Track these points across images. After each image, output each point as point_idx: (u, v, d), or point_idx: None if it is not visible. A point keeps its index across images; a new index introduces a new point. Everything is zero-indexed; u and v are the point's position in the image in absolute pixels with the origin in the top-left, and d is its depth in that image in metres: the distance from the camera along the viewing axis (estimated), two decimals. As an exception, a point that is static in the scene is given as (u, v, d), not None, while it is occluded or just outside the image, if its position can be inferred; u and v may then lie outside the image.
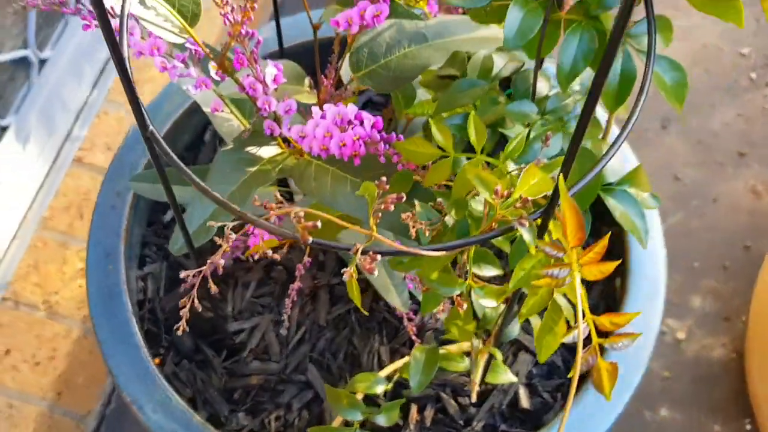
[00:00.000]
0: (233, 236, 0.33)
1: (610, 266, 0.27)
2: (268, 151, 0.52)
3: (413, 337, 0.59)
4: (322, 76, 0.52)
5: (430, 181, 0.37)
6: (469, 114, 0.39)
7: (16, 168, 0.93)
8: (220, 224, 0.36)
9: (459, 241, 0.33)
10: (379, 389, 0.60)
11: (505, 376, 0.60)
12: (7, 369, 0.89)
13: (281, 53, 0.64)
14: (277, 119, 0.49)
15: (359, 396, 0.60)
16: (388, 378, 0.62)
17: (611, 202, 0.41)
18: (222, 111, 0.54)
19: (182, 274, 0.36)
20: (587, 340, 0.30)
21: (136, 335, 0.63)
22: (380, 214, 0.32)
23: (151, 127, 0.35)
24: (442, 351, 0.52)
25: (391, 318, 0.69)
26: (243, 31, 0.42)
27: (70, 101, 0.99)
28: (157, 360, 0.69)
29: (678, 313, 1.09)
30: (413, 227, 0.34)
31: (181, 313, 0.40)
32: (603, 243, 0.27)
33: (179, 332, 0.37)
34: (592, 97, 0.26)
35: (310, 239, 0.31)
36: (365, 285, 0.66)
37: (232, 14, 0.42)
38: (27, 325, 0.91)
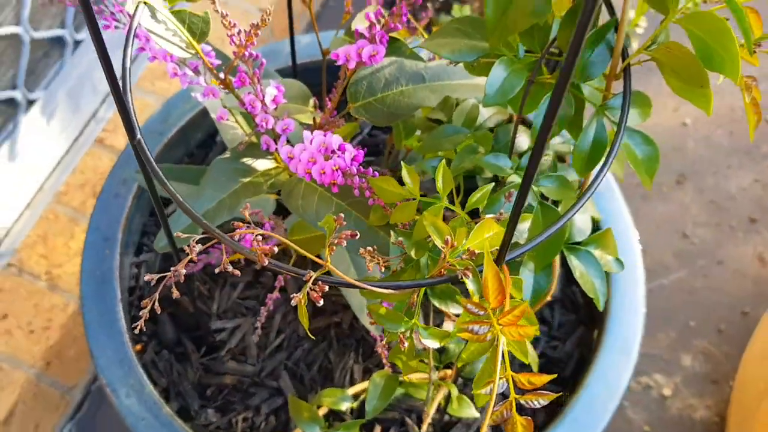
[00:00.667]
0: (197, 248, 0.35)
1: (530, 330, 0.29)
2: (263, 164, 0.54)
3: (384, 361, 0.61)
4: (327, 98, 0.54)
5: (395, 219, 0.39)
6: (445, 159, 0.40)
7: (38, 141, 0.96)
8: (186, 236, 0.38)
9: (405, 282, 0.34)
10: (344, 406, 0.61)
11: (468, 411, 0.61)
12: (2, 332, 0.92)
13: (294, 69, 0.66)
14: (274, 136, 0.51)
15: (324, 410, 0.62)
16: (355, 396, 0.64)
17: (574, 261, 0.42)
18: (228, 120, 0.56)
19: (146, 277, 0.38)
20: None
21: (121, 321, 0.65)
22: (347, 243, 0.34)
23: (138, 136, 0.37)
24: (406, 378, 0.53)
25: (368, 338, 0.70)
26: (247, 53, 0.44)
27: (99, 83, 1.03)
28: (138, 347, 0.71)
29: (667, 369, 1.09)
30: (369, 262, 0.35)
31: (151, 308, 0.42)
32: (522, 307, 0.28)
33: (136, 330, 0.39)
34: (533, 160, 0.27)
35: (266, 262, 0.33)
36: (348, 303, 0.68)
37: (238, 36, 0.44)
38: (27, 293, 0.94)
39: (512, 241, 0.39)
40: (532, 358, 0.50)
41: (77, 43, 0.98)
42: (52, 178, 1.00)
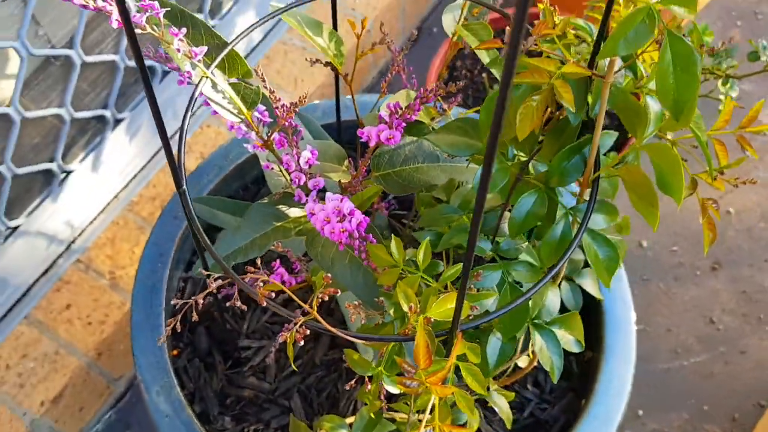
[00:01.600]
0: (215, 283, 0.43)
1: (448, 390, 0.36)
2: (295, 212, 0.63)
3: (381, 397, 0.68)
4: (360, 162, 0.63)
5: (381, 281, 0.46)
6: (441, 233, 0.48)
7: (119, 155, 1.08)
8: (204, 275, 0.47)
9: (375, 336, 0.41)
10: (340, 433, 0.69)
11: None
12: (63, 321, 1.03)
13: (338, 127, 0.75)
14: (306, 191, 0.60)
15: (322, 434, 0.69)
16: (351, 425, 0.71)
17: (536, 337, 0.48)
18: (273, 168, 0.65)
19: (172, 301, 0.47)
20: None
21: (162, 327, 0.75)
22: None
23: (183, 187, 0.46)
24: (392, 416, 0.60)
25: (376, 374, 0.78)
26: (287, 123, 0.53)
27: (179, 110, 1.15)
28: (175, 352, 0.81)
29: (675, 450, 1.12)
30: (352, 315, 0.43)
31: (188, 319, 0.51)
32: (444, 371, 0.35)
33: (161, 339, 0.48)
34: (470, 248, 0.34)
35: (264, 302, 0.41)
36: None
37: (281, 109, 0.53)
38: (90, 288, 1.06)
39: (485, 311, 0.47)
40: (506, 415, 0.56)
41: (165, 73, 1.10)
42: (128, 188, 1.12)
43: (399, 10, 1.39)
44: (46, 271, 1.06)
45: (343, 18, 1.22)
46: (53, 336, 1.03)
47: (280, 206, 0.63)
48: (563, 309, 0.54)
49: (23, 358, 1.01)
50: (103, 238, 1.09)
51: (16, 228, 0.99)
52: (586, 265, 0.55)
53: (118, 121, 1.06)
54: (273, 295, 0.41)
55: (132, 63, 1.01)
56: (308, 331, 0.41)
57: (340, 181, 0.60)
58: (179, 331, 0.81)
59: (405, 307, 0.40)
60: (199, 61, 0.48)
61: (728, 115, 0.47)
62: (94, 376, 1.06)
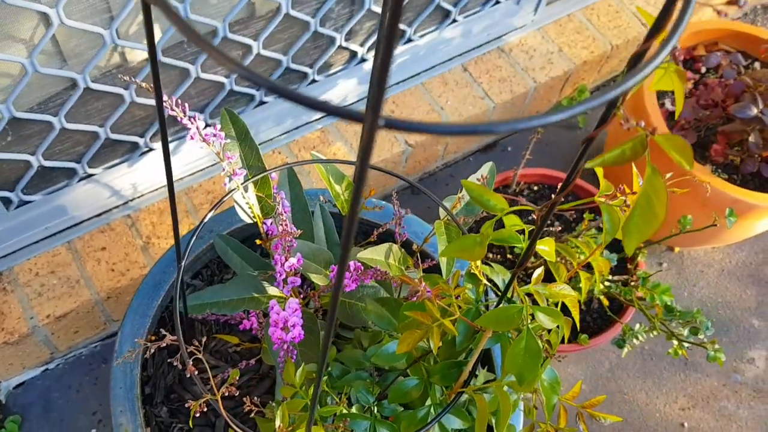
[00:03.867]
0: (168, 340, 0.59)
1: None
2: (273, 291, 0.78)
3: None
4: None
5: (282, 392, 0.61)
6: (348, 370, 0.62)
7: (196, 149, 1.26)
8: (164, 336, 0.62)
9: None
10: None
11: None
12: (94, 258, 1.22)
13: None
14: (284, 284, 0.75)
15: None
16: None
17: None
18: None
19: (139, 340, 0.63)
20: None
21: (147, 324, 0.91)
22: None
23: (183, 262, 0.62)
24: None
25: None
26: (285, 242, 0.68)
27: (262, 133, 1.32)
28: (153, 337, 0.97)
29: None
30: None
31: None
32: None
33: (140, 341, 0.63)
34: (314, 394, 0.49)
35: (189, 374, 0.57)
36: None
37: (284, 231, 0.68)
38: (127, 242, 1.24)
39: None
40: None
41: (262, 103, 1.27)
42: (193, 176, 1.30)
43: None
44: (99, 214, 1.25)
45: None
46: (81, 267, 1.22)
47: (265, 281, 0.79)
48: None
49: (51, 273, 1.20)
50: (155, 207, 1.28)
51: (91, 175, 1.18)
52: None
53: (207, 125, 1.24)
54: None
55: (238, 87, 1.19)
56: (205, 408, 0.56)
57: (304, 294, 0.75)
58: (166, 320, 0.98)
59: (277, 424, 0.55)
60: (237, 178, 0.64)
61: (577, 392, 0.59)
62: (97, 312, 1.24)
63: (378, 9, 1.25)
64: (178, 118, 0.62)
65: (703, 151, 1.32)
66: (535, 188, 1.35)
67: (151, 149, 1.22)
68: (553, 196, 1.23)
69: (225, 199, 0.66)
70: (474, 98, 1.47)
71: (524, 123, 0.26)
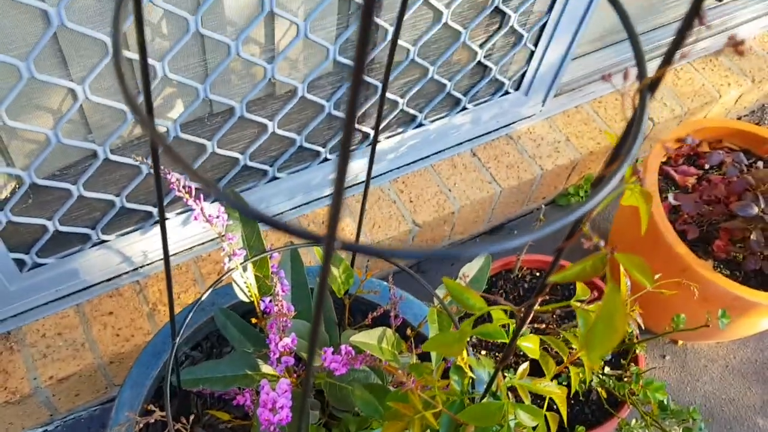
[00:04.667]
0: (156, 415, 0.60)
1: None
2: (267, 369, 0.80)
3: None
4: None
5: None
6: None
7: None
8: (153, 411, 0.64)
9: None
10: None
11: None
12: (101, 323, 1.25)
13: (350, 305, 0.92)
14: (278, 362, 0.76)
15: None
16: None
17: None
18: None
19: (129, 413, 0.64)
20: None
21: (146, 388, 0.93)
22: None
23: (177, 339, 0.64)
24: None
25: None
26: (280, 323, 0.70)
27: (272, 207, 1.36)
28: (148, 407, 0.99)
29: None
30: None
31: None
32: None
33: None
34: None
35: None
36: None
37: (280, 306, 0.70)
38: (134, 308, 1.27)
39: None
40: None
41: (275, 178, 1.32)
42: (203, 246, 1.34)
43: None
44: (109, 279, 1.28)
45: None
46: (87, 330, 1.24)
47: (259, 359, 0.80)
48: None
49: (58, 335, 1.23)
50: (163, 274, 1.31)
51: (105, 241, 1.22)
52: None
53: (217, 200, 1.28)
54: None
55: (284, 131, 1.24)
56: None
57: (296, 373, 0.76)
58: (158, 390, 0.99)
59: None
60: (237, 258, 0.67)
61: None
62: (99, 376, 1.26)
63: (390, 95, 1.30)
64: (184, 199, 0.65)
65: (706, 246, 1.33)
66: (537, 274, 1.36)
67: (166, 218, 1.25)
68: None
69: (223, 278, 0.68)
70: (482, 182, 1.50)
71: (486, 248, 0.28)
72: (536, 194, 1.63)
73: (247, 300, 0.70)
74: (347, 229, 1.40)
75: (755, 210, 1.21)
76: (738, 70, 1.73)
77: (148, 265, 1.30)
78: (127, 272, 1.29)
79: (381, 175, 1.45)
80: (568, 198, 1.68)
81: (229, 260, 0.67)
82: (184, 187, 0.65)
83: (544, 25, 1.35)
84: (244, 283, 0.70)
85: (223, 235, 0.66)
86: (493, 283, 1.36)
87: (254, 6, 0.99)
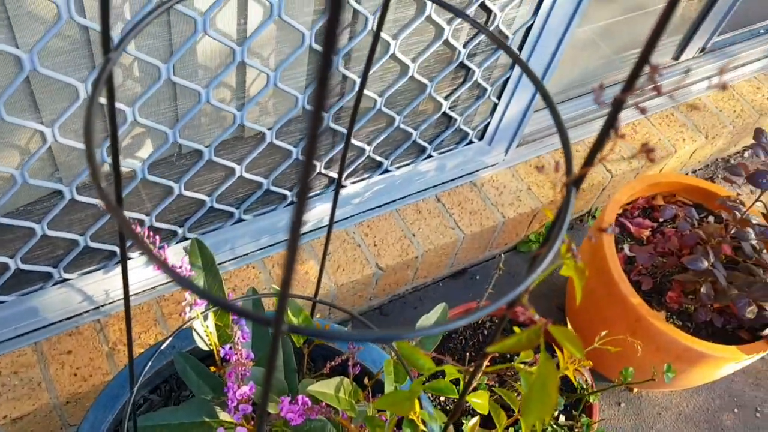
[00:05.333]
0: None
1: None
2: (225, 416, 0.81)
3: None
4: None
5: None
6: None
7: (172, 260, 1.30)
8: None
9: None
10: None
11: None
12: (59, 361, 1.24)
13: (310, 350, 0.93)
14: (235, 410, 0.77)
15: None
16: None
17: None
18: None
19: None
20: None
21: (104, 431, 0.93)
22: None
23: (135, 387, 0.65)
24: None
25: None
26: (239, 372, 0.72)
27: (237, 248, 1.37)
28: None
29: None
30: None
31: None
32: None
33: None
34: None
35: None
36: None
37: (239, 355, 0.71)
38: (93, 347, 1.26)
39: None
40: None
41: (241, 220, 1.33)
42: (166, 286, 1.34)
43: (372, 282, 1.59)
44: (69, 317, 1.27)
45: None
46: (44, 369, 1.23)
47: (217, 407, 0.81)
48: None
49: (14, 374, 1.21)
50: (123, 314, 1.30)
51: (66, 280, 1.22)
52: None
53: (185, 239, 1.29)
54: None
55: (215, 204, 1.25)
56: None
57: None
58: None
59: None
60: (197, 308, 0.69)
61: None
62: (54, 417, 1.24)
63: (357, 142, 1.33)
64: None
65: (660, 297, 1.38)
66: (496, 320, 1.39)
67: (128, 258, 1.26)
68: (515, 329, 1.25)
69: (183, 327, 0.69)
70: (445, 228, 1.53)
71: (412, 333, 0.31)
72: (498, 240, 1.66)
73: (206, 348, 0.71)
74: (311, 271, 1.42)
75: (705, 264, 1.25)
76: (692, 126, 1.80)
77: (109, 304, 1.30)
78: (87, 311, 1.28)
79: (347, 218, 1.48)
80: (529, 245, 1.72)
81: (190, 309, 0.68)
82: (148, 237, 0.67)
83: (507, 80, 1.40)
84: (204, 332, 0.71)
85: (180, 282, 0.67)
86: (452, 329, 1.38)
87: (226, 55, 1.02)
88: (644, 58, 0.31)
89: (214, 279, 0.71)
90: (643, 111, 0.35)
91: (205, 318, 0.71)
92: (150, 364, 0.92)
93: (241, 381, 0.74)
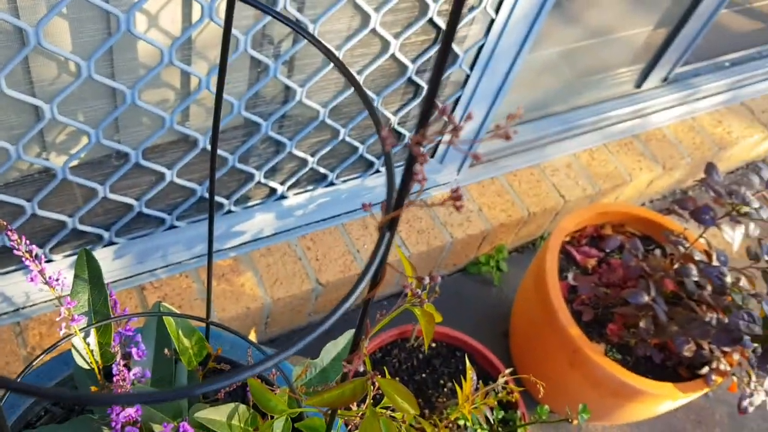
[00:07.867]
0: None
1: None
2: (112, 437, 0.76)
3: None
4: None
5: None
6: None
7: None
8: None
9: None
10: None
11: None
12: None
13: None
14: (123, 430, 0.73)
15: None
16: None
17: None
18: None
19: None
20: None
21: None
22: None
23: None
24: None
25: None
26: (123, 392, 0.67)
27: (169, 255, 1.32)
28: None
29: None
30: None
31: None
32: None
33: None
34: None
35: None
36: None
37: (121, 374, 0.67)
38: (10, 350, 1.21)
39: None
40: None
41: (173, 227, 1.28)
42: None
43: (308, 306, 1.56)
44: (-14, 318, 1.22)
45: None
46: None
47: (104, 426, 0.76)
48: None
49: None
50: (46, 318, 1.25)
51: (-18, 279, 1.16)
52: None
53: (111, 243, 1.24)
54: None
55: (146, 209, 1.21)
56: None
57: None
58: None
59: None
60: (75, 324, 0.64)
61: None
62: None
63: (299, 153, 1.29)
64: (23, 259, 0.62)
65: (601, 329, 1.35)
66: (433, 345, 1.35)
67: (50, 260, 1.21)
68: (457, 353, 1.22)
69: (60, 344, 0.65)
70: (392, 246, 1.49)
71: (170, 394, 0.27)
72: (446, 261, 1.63)
73: (87, 367, 0.67)
74: (248, 282, 1.37)
75: (645, 298, 1.23)
76: (651, 156, 1.79)
77: (31, 306, 1.25)
78: (7, 312, 1.23)
79: (289, 230, 1.44)
80: (479, 267, 1.68)
81: (66, 325, 0.64)
82: (29, 251, 0.62)
83: (458, 99, 1.37)
84: (84, 350, 0.67)
85: (60, 298, 0.63)
86: (387, 351, 1.34)
87: (155, 56, 0.98)
88: (431, 98, 0.28)
89: (100, 294, 0.67)
90: (476, 158, 0.32)
91: (87, 335, 0.67)
92: (52, 370, 0.88)
93: (123, 406, 0.70)
